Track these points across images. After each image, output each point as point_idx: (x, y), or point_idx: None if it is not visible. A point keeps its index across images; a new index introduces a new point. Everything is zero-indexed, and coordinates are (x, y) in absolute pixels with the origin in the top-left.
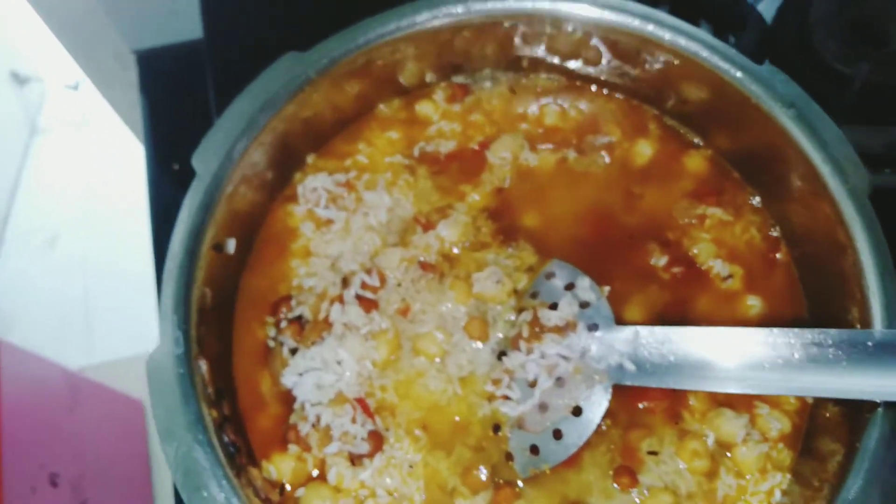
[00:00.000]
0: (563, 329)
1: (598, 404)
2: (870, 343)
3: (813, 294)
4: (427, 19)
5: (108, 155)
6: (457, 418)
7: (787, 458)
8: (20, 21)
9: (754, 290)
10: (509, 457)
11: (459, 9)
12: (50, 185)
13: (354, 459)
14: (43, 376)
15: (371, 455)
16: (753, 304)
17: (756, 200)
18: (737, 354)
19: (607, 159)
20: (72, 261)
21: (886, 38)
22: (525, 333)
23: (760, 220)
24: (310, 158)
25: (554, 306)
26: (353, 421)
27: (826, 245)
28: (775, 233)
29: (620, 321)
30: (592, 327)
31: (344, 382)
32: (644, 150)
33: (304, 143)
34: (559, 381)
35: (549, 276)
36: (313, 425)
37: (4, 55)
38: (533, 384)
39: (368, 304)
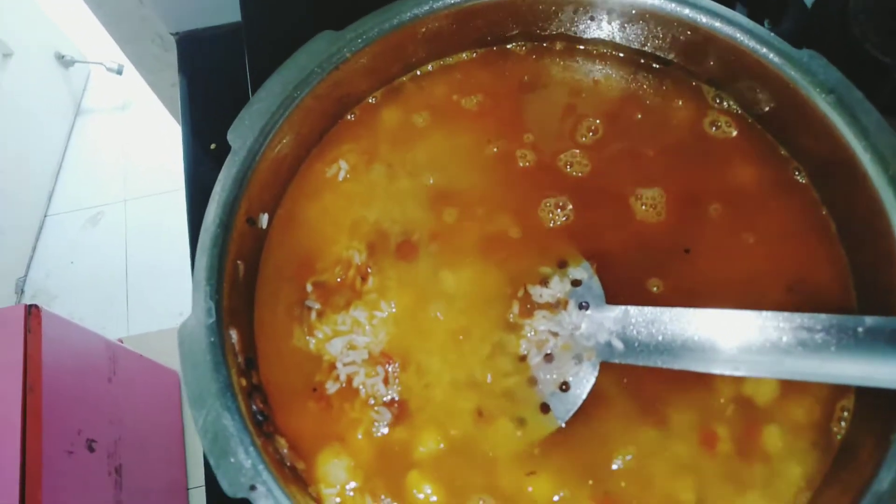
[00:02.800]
0: (554, 306)
1: (585, 380)
2: (860, 329)
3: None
4: (463, 1)
5: (149, 136)
6: None
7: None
8: (66, 4)
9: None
10: None
11: None
12: (93, 164)
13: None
14: (84, 346)
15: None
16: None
17: (801, 176)
18: (726, 336)
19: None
20: (114, 238)
21: None
22: (516, 310)
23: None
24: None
25: (545, 283)
26: (388, 380)
27: (868, 231)
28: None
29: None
30: (583, 305)
31: (375, 343)
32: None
33: (335, 119)
34: (548, 356)
35: None
36: (342, 385)
37: (51, 38)
38: (523, 359)
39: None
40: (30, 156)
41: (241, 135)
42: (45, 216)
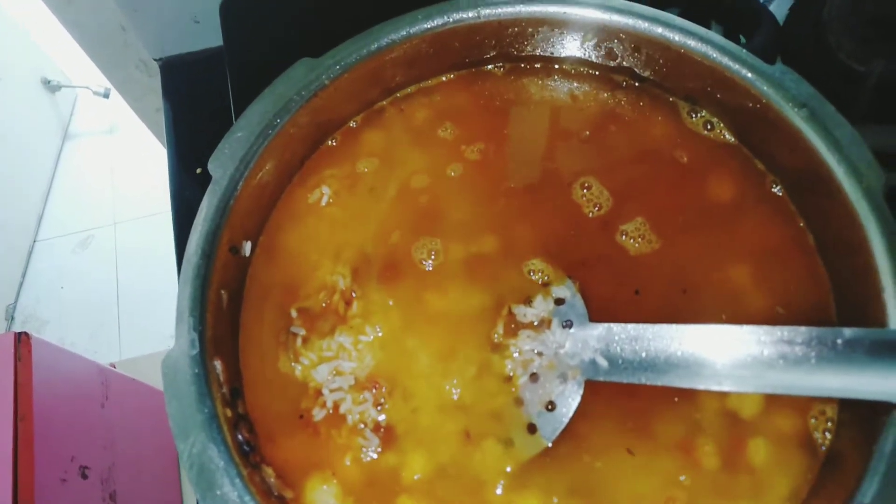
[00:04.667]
0: (539, 326)
1: (571, 399)
2: (839, 341)
3: (839, 290)
4: (439, 25)
5: (137, 159)
6: None
7: (800, 456)
8: (52, 30)
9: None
10: None
11: (470, 14)
12: (82, 188)
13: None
14: (75, 372)
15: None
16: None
17: (778, 189)
18: (708, 351)
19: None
20: (104, 261)
21: None
22: (501, 330)
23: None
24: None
25: (528, 302)
26: (375, 405)
27: (845, 243)
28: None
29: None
30: (566, 324)
31: (360, 368)
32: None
33: (316, 145)
34: (533, 376)
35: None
36: (329, 411)
37: (37, 63)
38: (508, 379)
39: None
40: (18, 180)
41: (221, 164)
42: (35, 241)
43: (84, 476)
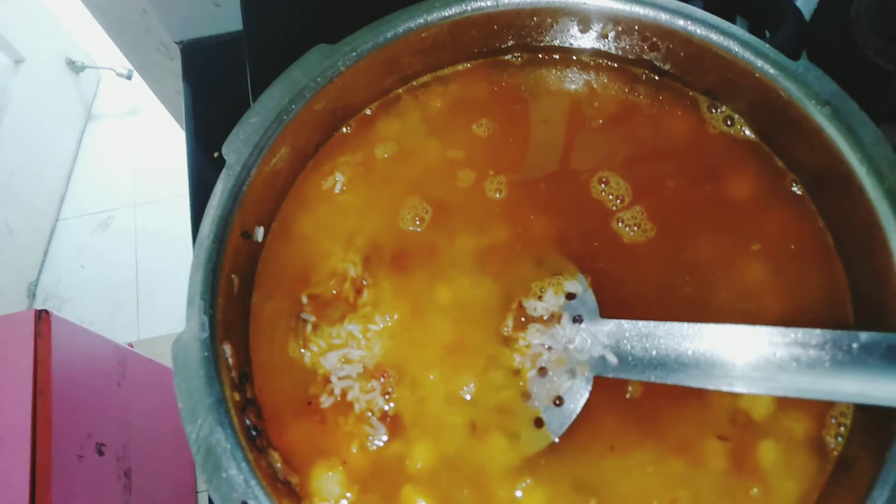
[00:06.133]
0: (549, 320)
1: (579, 395)
2: (854, 345)
3: (857, 292)
4: (457, 13)
5: (159, 141)
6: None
7: (811, 461)
8: (76, 11)
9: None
10: None
11: (489, 2)
12: (104, 169)
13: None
14: (93, 350)
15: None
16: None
17: (797, 188)
18: (720, 352)
19: None
20: (124, 242)
21: None
22: (510, 323)
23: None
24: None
25: (539, 296)
26: (383, 394)
27: (865, 244)
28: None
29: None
30: (577, 319)
31: (369, 356)
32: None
33: (331, 132)
34: (542, 370)
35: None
36: (337, 399)
37: (62, 44)
38: (517, 373)
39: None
40: (41, 160)
41: (235, 149)
42: (57, 220)
43: (100, 453)
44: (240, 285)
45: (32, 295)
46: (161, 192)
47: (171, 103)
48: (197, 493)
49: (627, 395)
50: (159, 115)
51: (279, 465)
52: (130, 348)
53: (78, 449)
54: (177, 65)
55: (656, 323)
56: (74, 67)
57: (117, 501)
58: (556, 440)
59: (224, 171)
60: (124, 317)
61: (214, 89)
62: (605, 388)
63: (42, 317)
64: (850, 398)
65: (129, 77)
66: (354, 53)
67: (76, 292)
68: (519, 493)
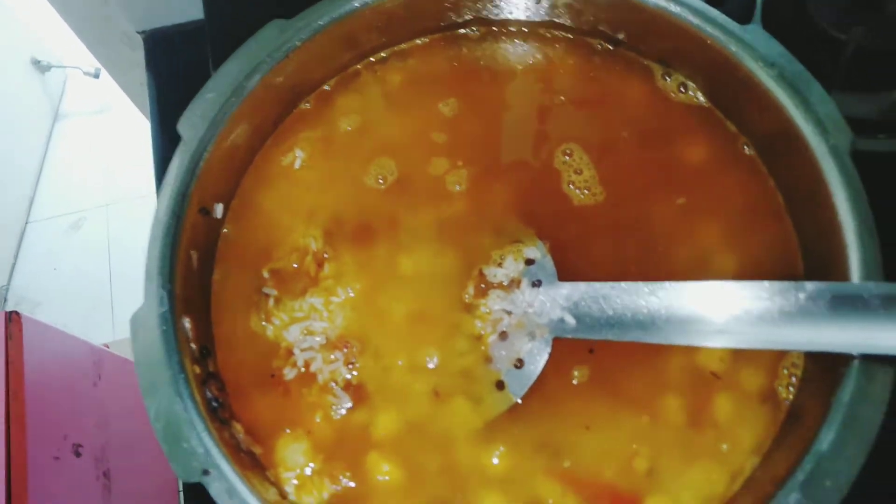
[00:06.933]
0: (508, 286)
1: (539, 356)
2: (801, 295)
3: (806, 248)
4: None
5: (128, 140)
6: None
7: (764, 411)
8: (41, 10)
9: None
10: None
11: None
12: (74, 169)
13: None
14: (67, 351)
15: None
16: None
17: (749, 150)
18: (672, 308)
19: None
20: (97, 242)
21: (882, 2)
22: (471, 291)
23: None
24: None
25: (499, 263)
26: (346, 364)
27: (812, 202)
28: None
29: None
30: (536, 283)
31: (331, 328)
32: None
33: (289, 108)
34: (503, 334)
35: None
36: (300, 370)
37: (26, 43)
38: (478, 338)
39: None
40: (9, 162)
41: (192, 125)
42: (27, 223)
43: (77, 454)
44: (199, 261)
45: (4, 299)
46: (133, 191)
47: (137, 96)
48: (179, 492)
49: (591, 351)
50: (128, 114)
51: (242, 435)
52: (106, 349)
53: (54, 451)
54: (140, 56)
55: (612, 284)
56: (40, 67)
57: (96, 502)
58: (519, 401)
59: (180, 146)
60: (99, 318)
61: (178, 79)
62: (565, 349)
63: (13, 319)
64: (798, 346)
65: (96, 76)
66: (310, 28)
67: (49, 295)
68: (482, 454)
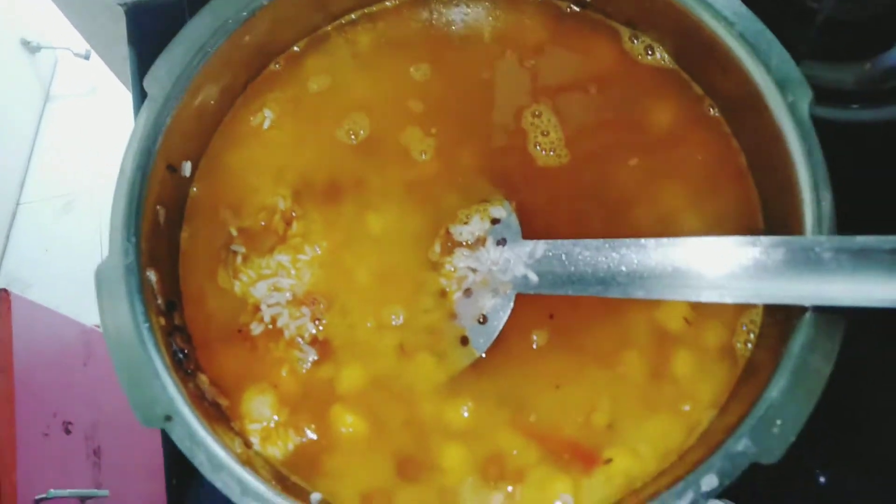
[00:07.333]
0: (474, 244)
1: (501, 312)
2: (756, 248)
3: (766, 205)
4: None
5: (119, 121)
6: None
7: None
8: None
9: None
10: None
11: None
12: (64, 151)
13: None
14: (57, 330)
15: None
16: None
17: (715, 111)
18: (631, 263)
19: None
20: (88, 224)
21: None
22: (438, 249)
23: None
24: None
25: (465, 222)
26: (313, 320)
27: (772, 159)
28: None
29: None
30: (501, 242)
31: (299, 285)
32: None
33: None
34: (467, 291)
35: None
36: (267, 326)
37: (15, 24)
38: (443, 295)
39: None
40: None
41: (158, 81)
42: (18, 204)
43: (67, 431)
44: (167, 217)
45: None
46: None
47: (122, 72)
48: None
49: (551, 317)
50: (119, 95)
51: (207, 387)
52: (97, 329)
53: (43, 427)
54: (123, 29)
55: (574, 241)
56: (30, 48)
57: (87, 479)
58: (482, 356)
59: (146, 102)
60: (90, 300)
61: (159, 52)
62: (529, 306)
63: (2, 296)
64: (753, 299)
65: (86, 57)
66: None
67: (40, 276)
68: (445, 408)
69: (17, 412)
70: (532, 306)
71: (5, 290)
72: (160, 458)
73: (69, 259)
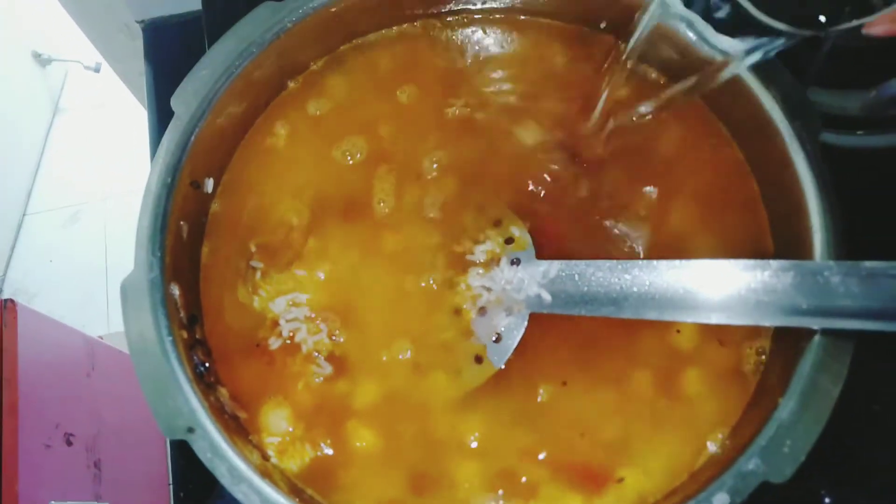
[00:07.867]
0: (488, 263)
1: (515, 331)
2: (766, 272)
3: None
4: None
5: (127, 134)
6: None
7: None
8: (43, 2)
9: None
10: None
11: None
12: (72, 163)
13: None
14: (61, 341)
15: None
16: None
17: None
18: (643, 285)
19: None
20: (94, 235)
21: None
22: (452, 268)
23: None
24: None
25: (480, 242)
26: (330, 336)
27: (780, 183)
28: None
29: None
30: (514, 261)
31: (316, 301)
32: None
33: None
34: (482, 310)
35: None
36: (285, 341)
37: (27, 36)
38: (458, 313)
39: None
40: (8, 154)
41: (184, 101)
42: (24, 215)
43: (69, 443)
44: (189, 232)
45: (0, 290)
46: (130, 185)
47: (136, 86)
48: (169, 485)
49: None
50: (128, 109)
51: (227, 400)
52: (101, 340)
53: (46, 438)
54: (139, 46)
55: (587, 262)
56: (41, 60)
57: (87, 492)
58: (500, 368)
59: (173, 121)
60: (94, 311)
61: (176, 69)
62: (542, 324)
63: (8, 307)
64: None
65: (96, 70)
66: (301, 10)
67: (45, 287)
68: (459, 424)
69: (20, 423)
70: (544, 321)
71: (12, 301)
72: (160, 471)
73: (74, 270)
